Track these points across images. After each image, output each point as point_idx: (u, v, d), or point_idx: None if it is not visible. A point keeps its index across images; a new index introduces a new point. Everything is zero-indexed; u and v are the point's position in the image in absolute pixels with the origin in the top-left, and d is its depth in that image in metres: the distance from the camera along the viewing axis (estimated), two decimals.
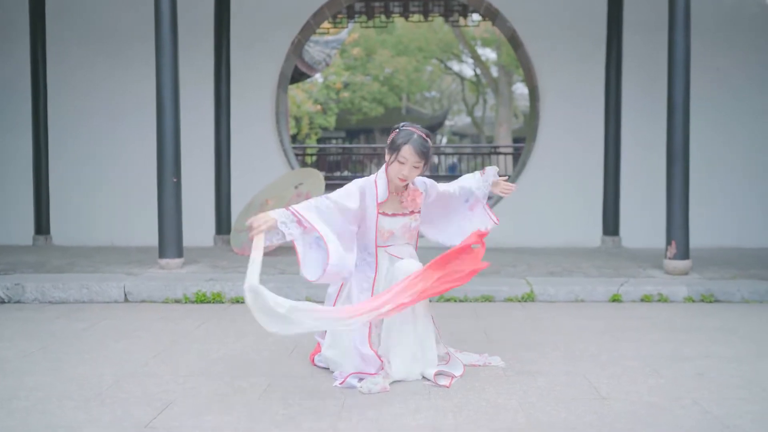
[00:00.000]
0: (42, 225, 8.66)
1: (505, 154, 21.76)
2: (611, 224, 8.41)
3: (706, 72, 8.04)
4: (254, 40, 8.60)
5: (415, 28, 29.27)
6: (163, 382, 3.57)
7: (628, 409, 3.13)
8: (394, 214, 3.77)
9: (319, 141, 29.90)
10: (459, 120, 44.10)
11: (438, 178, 4.40)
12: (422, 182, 3.92)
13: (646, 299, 5.75)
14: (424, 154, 3.64)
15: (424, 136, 3.68)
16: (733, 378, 3.60)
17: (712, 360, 3.94)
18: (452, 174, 24.65)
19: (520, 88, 34.58)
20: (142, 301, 5.82)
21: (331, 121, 28.22)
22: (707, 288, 5.81)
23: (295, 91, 24.05)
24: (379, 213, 3.72)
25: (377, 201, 3.71)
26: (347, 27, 18.29)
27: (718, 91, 8.32)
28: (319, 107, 27.14)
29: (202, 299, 5.78)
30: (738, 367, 3.79)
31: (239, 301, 5.77)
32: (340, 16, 12.31)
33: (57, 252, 7.92)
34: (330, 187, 8.02)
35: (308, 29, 8.92)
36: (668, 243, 6.34)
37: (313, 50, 16.86)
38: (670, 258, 6.32)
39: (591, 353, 4.11)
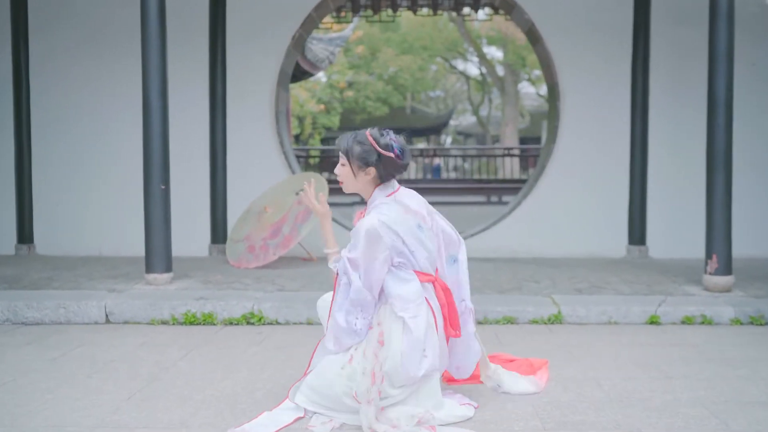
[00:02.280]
0: (25, 234, 8.06)
1: (518, 156, 21.14)
2: (637, 233, 7.78)
3: (743, 67, 7.38)
4: (252, 35, 7.98)
5: (420, 27, 28.79)
6: None
7: None
8: None
9: (322, 141, 29.36)
10: (464, 119, 43.54)
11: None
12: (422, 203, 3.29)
13: (687, 321, 5.14)
14: (344, 150, 3.19)
15: (363, 133, 3.19)
16: None
17: None
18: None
19: (526, 87, 34.10)
20: (125, 323, 5.23)
21: (334, 120, 27.65)
22: (756, 308, 5.18)
23: (298, 90, 23.49)
24: None
25: None
26: (351, 23, 17.71)
27: (755, 87, 7.67)
28: (322, 107, 26.57)
29: (191, 321, 5.18)
30: None
31: (232, 322, 5.18)
32: (344, 11, 11.68)
33: (38, 263, 7.32)
34: (334, 191, 7.43)
35: (310, 23, 8.30)
36: (708, 257, 5.73)
37: (316, 48, 16.27)
38: (710, 273, 5.70)
39: (640, 395, 3.50)
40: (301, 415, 3.15)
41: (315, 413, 3.14)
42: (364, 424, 2.96)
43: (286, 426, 3.07)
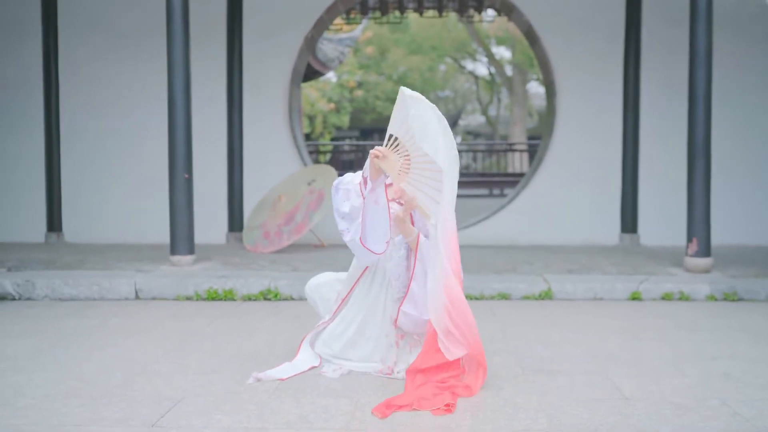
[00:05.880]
0: (54, 222, 8.62)
1: (521, 151, 21.57)
2: (629, 221, 8.26)
3: (728, 65, 7.86)
4: (267, 35, 8.51)
5: (429, 27, 29.14)
6: (173, 380, 3.48)
7: (652, 409, 3.01)
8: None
9: (332, 140, 29.80)
10: (473, 119, 43.91)
11: None
12: None
13: (666, 297, 5.61)
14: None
15: None
16: (761, 378, 3.46)
17: (738, 360, 3.80)
18: None
19: (535, 87, 34.38)
20: (153, 299, 5.75)
21: (344, 120, 28.09)
22: (730, 286, 5.66)
23: (309, 90, 23.96)
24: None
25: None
26: (361, 24, 18.20)
27: (739, 85, 8.14)
28: (332, 106, 27.03)
29: (213, 296, 5.70)
30: (765, 368, 3.65)
31: (251, 298, 5.69)
32: (353, 12, 12.20)
33: (68, 249, 7.87)
34: None
35: (321, 24, 8.82)
36: (689, 240, 6.20)
37: (327, 48, 16.78)
38: (690, 255, 6.18)
39: (611, 352, 3.99)
40: (316, 364, 3.66)
41: (327, 362, 3.65)
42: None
43: (303, 372, 3.58)
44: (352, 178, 3.51)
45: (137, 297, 5.77)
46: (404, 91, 3.31)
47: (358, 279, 3.66)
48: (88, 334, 4.50)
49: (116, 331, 4.59)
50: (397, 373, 3.51)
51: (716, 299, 5.59)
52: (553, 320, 4.88)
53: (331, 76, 26.00)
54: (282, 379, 3.48)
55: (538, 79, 31.58)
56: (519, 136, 26.85)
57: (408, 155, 3.36)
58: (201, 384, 3.42)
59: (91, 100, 8.62)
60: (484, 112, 36.94)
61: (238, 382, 3.46)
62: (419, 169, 3.37)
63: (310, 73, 16.11)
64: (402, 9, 11.80)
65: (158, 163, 7.81)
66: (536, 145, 23.24)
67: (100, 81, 8.60)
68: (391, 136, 3.35)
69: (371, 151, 3.34)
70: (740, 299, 5.60)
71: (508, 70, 29.59)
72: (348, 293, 3.69)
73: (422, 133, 3.28)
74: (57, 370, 3.67)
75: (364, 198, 3.40)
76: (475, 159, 26.75)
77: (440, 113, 3.33)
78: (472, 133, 43.63)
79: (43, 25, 8.50)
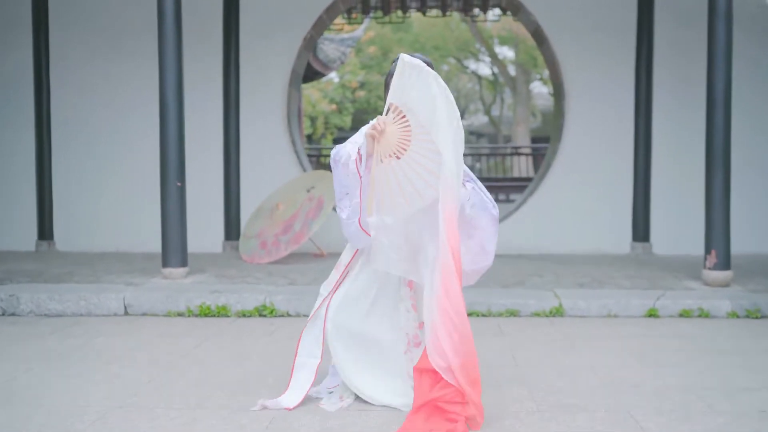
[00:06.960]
0: (45, 230, 8.32)
1: (527, 155, 21.20)
2: (641, 230, 7.93)
3: (744, 65, 7.51)
4: (265, 36, 8.19)
5: (432, 27, 28.83)
6: (154, 417, 3.18)
7: None
8: None
9: (334, 141, 29.50)
10: (476, 119, 43.56)
11: None
12: None
13: (685, 314, 5.29)
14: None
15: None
16: None
17: None
18: None
19: (538, 87, 34.07)
20: (143, 314, 5.45)
21: (346, 120, 27.79)
22: (753, 302, 5.33)
23: (310, 90, 23.67)
24: None
25: None
26: (362, 23, 17.87)
27: (756, 86, 7.80)
28: (334, 107, 26.72)
29: (206, 312, 5.39)
30: None
31: (245, 314, 5.38)
32: (354, 12, 11.87)
33: (58, 259, 7.57)
34: None
35: (321, 24, 8.51)
36: (707, 252, 5.88)
37: (328, 48, 16.46)
38: (709, 268, 5.86)
39: (632, 382, 3.67)
40: (313, 377, 3.34)
41: (330, 393, 3.35)
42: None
43: (306, 394, 3.31)
44: (350, 149, 3.27)
45: (126, 313, 5.47)
46: (404, 58, 3.09)
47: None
48: (69, 357, 4.20)
49: (99, 354, 4.29)
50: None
51: (738, 316, 5.27)
52: (566, 341, 4.57)
53: (332, 76, 25.71)
54: (289, 409, 3.22)
55: (541, 79, 31.28)
56: (522, 137, 26.56)
57: (409, 126, 3.12)
58: (185, 421, 3.11)
59: (84, 105, 8.31)
60: (487, 113, 36.63)
61: (225, 419, 3.15)
62: (419, 141, 3.12)
63: (312, 74, 15.80)
64: (405, 8, 11.47)
65: (152, 169, 7.48)
66: (541, 149, 22.97)
67: (93, 84, 8.30)
68: (391, 104, 3.11)
69: (368, 129, 3.15)
70: (764, 316, 5.28)
71: (512, 70, 29.29)
72: (350, 260, 3.39)
73: (423, 104, 3.06)
74: (27, 402, 3.37)
75: (360, 176, 3.21)
76: (479, 160, 26.42)
77: (443, 82, 3.10)
78: (474, 134, 43.27)
79: (33, 23, 8.21)
